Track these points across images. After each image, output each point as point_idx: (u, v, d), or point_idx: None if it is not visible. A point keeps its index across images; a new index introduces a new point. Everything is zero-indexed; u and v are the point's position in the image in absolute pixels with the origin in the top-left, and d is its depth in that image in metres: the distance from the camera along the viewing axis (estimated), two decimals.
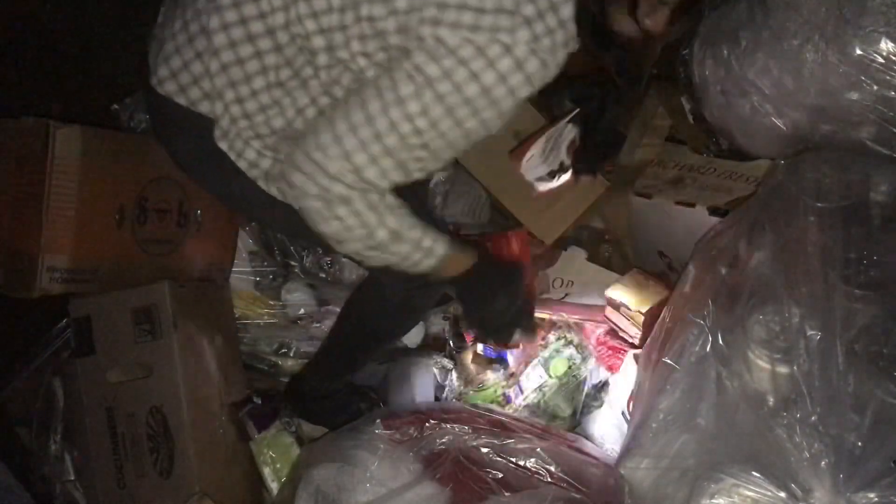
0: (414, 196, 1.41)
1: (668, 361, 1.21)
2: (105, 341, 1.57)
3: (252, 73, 1.23)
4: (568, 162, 1.58)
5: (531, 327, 1.54)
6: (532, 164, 1.59)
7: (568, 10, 1.14)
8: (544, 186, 1.63)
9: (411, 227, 1.26)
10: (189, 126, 1.29)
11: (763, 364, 1.11)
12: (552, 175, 1.60)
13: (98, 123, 1.58)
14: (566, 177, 1.60)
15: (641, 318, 1.61)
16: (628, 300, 1.63)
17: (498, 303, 1.40)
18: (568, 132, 1.55)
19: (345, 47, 1.19)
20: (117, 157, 1.54)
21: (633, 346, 1.66)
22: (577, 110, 1.52)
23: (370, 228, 1.20)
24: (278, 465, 1.66)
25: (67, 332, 1.70)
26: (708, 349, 1.18)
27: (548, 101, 1.62)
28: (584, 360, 1.72)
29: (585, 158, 1.55)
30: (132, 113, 1.73)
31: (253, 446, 1.66)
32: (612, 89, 1.47)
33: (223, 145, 1.29)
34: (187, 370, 1.55)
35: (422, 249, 1.27)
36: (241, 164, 1.30)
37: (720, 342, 1.16)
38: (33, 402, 1.70)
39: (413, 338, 1.95)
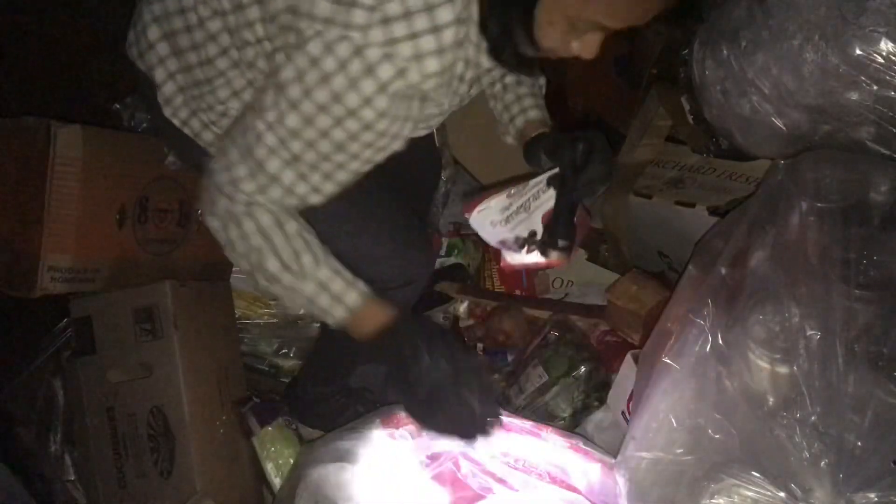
0: (406, 204, 1.40)
1: (668, 361, 1.21)
2: (106, 341, 1.57)
3: (185, 48, 1.22)
4: (541, 233, 1.29)
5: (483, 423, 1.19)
6: (485, 217, 1.35)
7: (447, 14, 1.01)
8: (512, 257, 1.35)
9: (316, 264, 1.16)
10: (150, 93, 1.29)
11: (763, 364, 1.11)
12: (520, 244, 1.32)
13: (99, 123, 1.58)
14: (538, 256, 1.31)
15: (641, 318, 1.60)
16: (628, 300, 1.63)
17: (421, 363, 1.14)
18: (545, 197, 1.29)
19: (248, 28, 1.15)
20: (118, 157, 1.54)
21: (632, 346, 1.66)
22: (556, 170, 1.27)
23: (260, 255, 1.14)
24: (281, 461, 1.66)
25: (68, 332, 1.70)
26: (708, 349, 1.17)
27: (526, 155, 1.38)
28: (583, 360, 1.71)
29: (555, 227, 1.26)
30: (133, 112, 1.73)
31: (255, 442, 1.66)
32: (597, 142, 1.23)
33: (167, 111, 1.28)
34: (188, 370, 1.55)
35: (329, 293, 1.16)
36: (187, 131, 1.29)
37: (720, 342, 1.16)
38: (33, 403, 1.69)
39: None
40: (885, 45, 1.25)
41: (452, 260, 1.99)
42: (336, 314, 1.18)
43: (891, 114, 1.30)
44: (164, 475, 1.54)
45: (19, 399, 1.70)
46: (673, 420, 1.19)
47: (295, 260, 1.15)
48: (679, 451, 1.16)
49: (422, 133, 1.26)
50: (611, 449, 1.56)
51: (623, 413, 1.54)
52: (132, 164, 1.58)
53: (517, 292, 2.02)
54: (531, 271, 1.97)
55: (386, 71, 1.01)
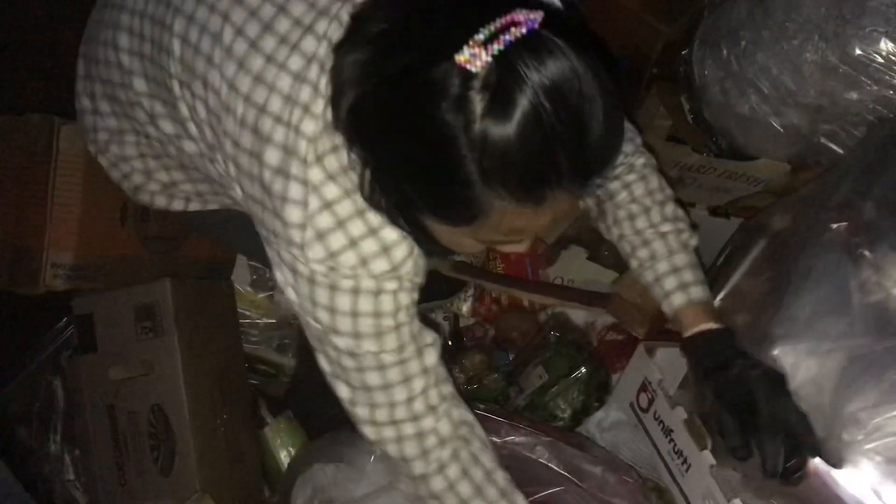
0: None
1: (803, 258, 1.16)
2: (107, 339, 1.56)
3: None
4: None
5: None
6: None
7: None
8: None
9: None
10: None
11: None
12: None
13: None
14: None
15: (648, 314, 1.57)
16: (636, 294, 1.60)
17: None
18: None
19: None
20: None
21: (634, 344, 1.65)
22: None
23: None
24: (293, 451, 1.67)
25: (67, 331, 1.70)
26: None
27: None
28: (584, 360, 1.71)
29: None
30: None
31: (268, 432, 1.67)
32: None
33: None
34: (189, 368, 1.54)
35: None
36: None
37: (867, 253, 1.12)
38: (33, 402, 1.68)
39: None
40: (885, 45, 1.26)
41: (454, 258, 1.99)
42: None
43: (891, 114, 1.32)
44: (165, 473, 1.53)
45: (19, 399, 1.69)
46: (823, 304, 1.13)
47: None
48: (842, 333, 1.10)
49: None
50: (612, 449, 1.56)
51: (632, 404, 1.51)
52: None
53: None
54: (536, 267, 1.98)
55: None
